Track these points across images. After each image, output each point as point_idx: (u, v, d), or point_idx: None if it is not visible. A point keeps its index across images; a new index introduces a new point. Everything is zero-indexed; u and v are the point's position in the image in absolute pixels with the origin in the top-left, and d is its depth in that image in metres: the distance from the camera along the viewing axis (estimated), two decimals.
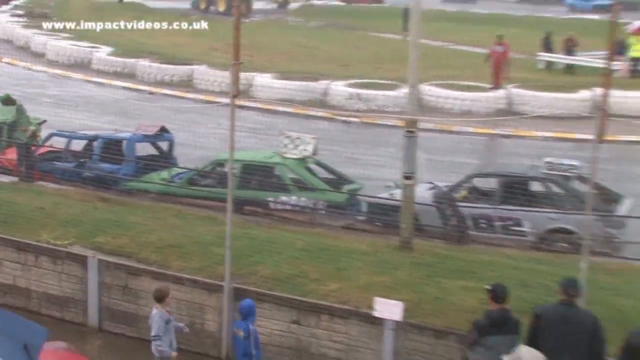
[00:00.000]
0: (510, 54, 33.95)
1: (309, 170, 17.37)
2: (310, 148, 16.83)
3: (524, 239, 15.75)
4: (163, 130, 18.81)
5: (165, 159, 18.90)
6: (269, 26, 51.99)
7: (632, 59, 36.76)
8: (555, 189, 15.80)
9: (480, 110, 30.63)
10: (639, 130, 24.65)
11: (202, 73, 34.45)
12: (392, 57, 36.63)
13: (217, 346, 12.25)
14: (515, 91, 32.00)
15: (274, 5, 66.88)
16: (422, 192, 16.13)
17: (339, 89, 31.66)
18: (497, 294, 9.57)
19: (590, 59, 37.53)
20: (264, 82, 32.24)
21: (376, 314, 10.96)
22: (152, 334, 10.24)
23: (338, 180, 17.78)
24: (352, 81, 32.35)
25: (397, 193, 15.69)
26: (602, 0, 54.84)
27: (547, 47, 40.79)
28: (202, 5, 59.94)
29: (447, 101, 31.17)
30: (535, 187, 16.73)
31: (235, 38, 11.49)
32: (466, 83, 32.64)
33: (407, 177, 13.83)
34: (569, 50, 39.85)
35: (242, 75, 16.06)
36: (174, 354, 10.50)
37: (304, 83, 31.96)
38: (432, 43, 40.52)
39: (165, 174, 18.15)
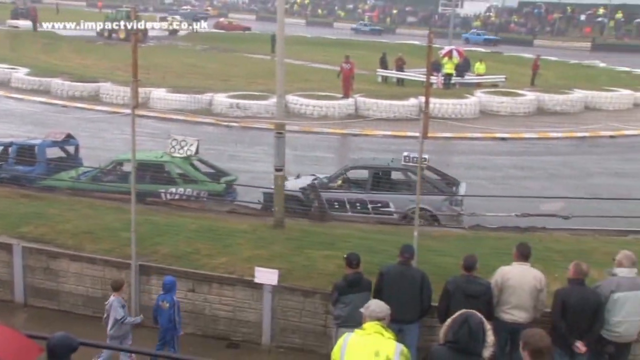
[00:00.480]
0: (355, 70, 34.61)
1: (193, 166, 17.35)
2: (193, 148, 16.78)
3: (389, 217, 16.15)
4: (69, 136, 18.58)
5: (72, 161, 18.60)
6: (162, 50, 51.56)
7: (444, 75, 38.71)
8: (412, 176, 16.07)
9: (334, 114, 31.21)
10: (452, 129, 25.34)
11: (107, 89, 33.71)
12: (263, 74, 36.88)
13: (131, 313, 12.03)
14: (361, 99, 32.85)
15: (166, 33, 66.15)
16: (305, 183, 16.61)
17: (221, 99, 31.53)
18: (351, 260, 9.78)
19: (415, 74, 39.38)
20: (159, 95, 31.80)
21: (257, 280, 10.95)
22: (118, 318, 9.94)
23: (217, 174, 17.77)
24: (232, 93, 32.37)
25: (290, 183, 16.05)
26: (490, 36, 58.11)
27: (383, 65, 42.33)
28: (106, 34, 58.61)
29: (308, 108, 31.59)
30: (396, 175, 17.17)
31: (133, 59, 11.32)
32: (322, 93, 33.24)
33: (277, 170, 13.89)
34: (399, 67, 41.52)
35: (141, 90, 15.89)
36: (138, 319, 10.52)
37: (192, 95, 31.68)
38: (295, 62, 40.78)
39: (73, 172, 17.81)
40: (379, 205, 16.46)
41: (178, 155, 16.75)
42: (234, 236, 13.10)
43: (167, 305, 10.05)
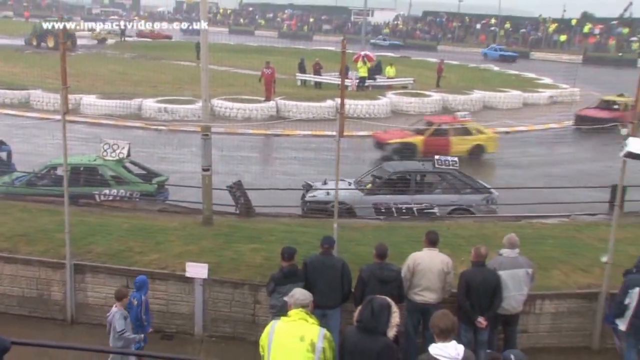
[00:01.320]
0: (276, 74, 34.72)
1: (125, 168, 17.03)
2: (125, 151, 16.55)
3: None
4: (1, 143, 17.98)
5: (5, 166, 17.94)
6: (91, 58, 50.16)
7: (358, 78, 38.98)
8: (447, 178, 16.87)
9: (257, 116, 31.32)
10: (366, 127, 25.62)
11: (38, 96, 32.68)
12: (189, 79, 36.39)
13: (62, 311, 11.75)
14: (281, 102, 32.88)
15: (95, 41, 64.80)
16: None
17: (150, 104, 31.03)
18: (283, 254, 9.78)
19: (331, 78, 39.56)
20: (89, 101, 31.01)
21: (188, 274, 10.85)
22: (117, 330, 9.50)
23: (149, 175, 17.48)
24: (160, 98, 31.89)
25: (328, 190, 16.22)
26: (506, 52, 58.41)
27: (302, 70, 42.32)
28: (34, 42, 56.91)
29: (233, 111, 31.43)
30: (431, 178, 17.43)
31: (62, 67, 11.05)
32: (246, 97, 33.07)
33: (205, 170, 13.74)
34: (317, 71, 41.53)
35: (71, 96, 15.52)
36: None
37: (121, 101, 31.07)
38: (219, 68, 40.39)
39: (6, 178, 17.27)
40: (424, 207, 16.34)
41: (110, 158, 16.45)
42: (165, 234, 12.88)
43: (136, 302, 9.80)
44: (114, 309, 9.66)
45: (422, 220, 15.08)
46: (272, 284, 9.74)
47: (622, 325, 9.98)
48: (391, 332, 6.43)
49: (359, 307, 6.52)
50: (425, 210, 16.23)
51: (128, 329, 9.59)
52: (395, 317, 6.44)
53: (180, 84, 36.95)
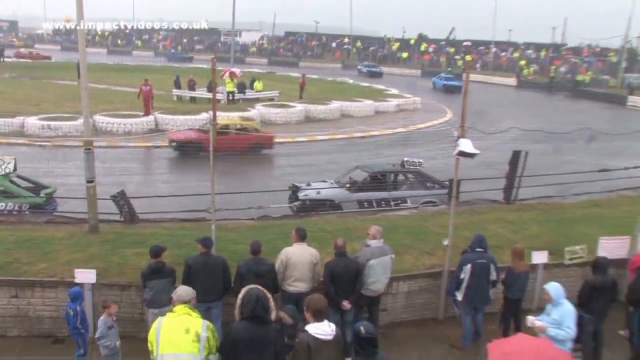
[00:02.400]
0: (154, 91, 34.15)
1: (13, 182, 16.25)
2: (11, 166, 15.85)
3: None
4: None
5: None
6: None
7: (228, 92, 38.76)
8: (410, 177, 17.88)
9: (137, 130, 30.56)
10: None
11: None
12: (71, 97, 35.16)
13: None
14: (160, 116, 32.39)
15: None
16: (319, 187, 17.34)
17: (33, 122, 29.58)
18: (151, 252, 9.84)
19: (204, 93, 39.01)
20: None
21: (76, 280, 10.45)
22: (96, 335, 9.16)
23: (37, 187, 16.74)
24: (43, 116, 30.45)
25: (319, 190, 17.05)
26: (453, 82, 56.80)
27: (177, 86, 41.75)
28: None
29: (114, 126, 30.57)
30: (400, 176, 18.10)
31: None
32: (126, 112, 32.30)
33: (89, 182, 13.29)
34: (191, 87, 41.12)
35: None
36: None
37: (3, 119, 29.48)
38: (99, 86, 39.35)
39: None
40: (399, 201, 17.04)
41: None
42: (52, 244, 12.28)
43: (72, 312, 9.39)
44: (102, 317, 9.36)
45: (291, 218, 15.22)
46: (142, 279, 9.76)
47: (459, 296, 10.74)
48: (273, 315, 6.54)
49: (241, 302, 6.51)
50: (401, 204, 16.96)
51: (108, 337, 9.22)
52: (272, 303, 6.54)
53: (62, 102, 35.46)
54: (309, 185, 17.54)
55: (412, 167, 17.48)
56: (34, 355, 10.11)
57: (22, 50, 76.26)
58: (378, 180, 17.53)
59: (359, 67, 75.90)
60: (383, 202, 17.01)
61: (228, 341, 6.41)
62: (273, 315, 6.57)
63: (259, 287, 6.72)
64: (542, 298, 12.36)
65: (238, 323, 6.45)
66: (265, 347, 6.34)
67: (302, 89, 44.01)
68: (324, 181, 18.02)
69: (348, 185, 17.44)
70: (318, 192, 16.99)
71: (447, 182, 17.28)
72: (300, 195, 17.03)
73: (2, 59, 65.41)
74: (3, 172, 15.79)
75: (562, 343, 8.46)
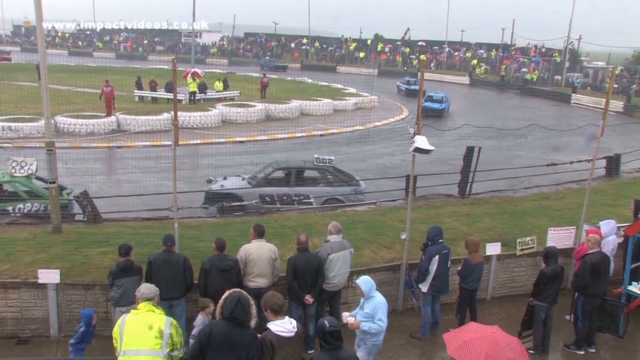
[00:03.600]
0: (115, 92, 33.65)
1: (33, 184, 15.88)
2: (33, 167, 15.16)
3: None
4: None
5: None
6: None
7: (190, 93, 38.58)
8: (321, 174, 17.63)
9: (100, 131, 30.18)
10: (199, 136, 25.83)
11: None
12: (32, 99, 34.05)
13: None
14: (122, 116, 31.97)
15: None
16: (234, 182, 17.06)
17: None
18: (120, 250, 9.70)
19: (165, 94, 38.54)
20: None
21: (40, 281, 10.34)
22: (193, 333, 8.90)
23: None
24: (3, 117, 29.64)
25: (223, 184, 16.85)
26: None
27: (139, 87, 41.40)
28: None
29: (76, 126, 30.08)
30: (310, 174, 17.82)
31: None
32: (88, 113, 31.77)
33: (51, 182, 13.04)
34: (153, 88, 40.78)
35: None
36: None
37: None
38: (60, 87, 38.38)
39: None
40: (302, 197, 16.78)
41: (19, 174, 15.15)
42: (15, 244, 12.00)
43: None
44: (199, 316, 9.20)
45: (252, 215, 15.13)
46: (111, 277, 9.62)
47: (424, 287, 10.84)
48: (252, 323, 6.48)
49: (222, 303, 6.44)
50: (303, 200, 16.85)
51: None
52: (253, 310, 6.49)
53: (23, 103, 34.65)
54: (225, 179, 17.46)
55: (321, 164, 17.41)
56: None
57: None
58: (287, 175, 17.49)
59: (397, 83, 58.22)
60: (285, 197, 16.90)
61: (203, 336, 6.32)
62: (253, 323, 6.52)
63: (243, 291, 6.66)
64: (495, 287, 12.69)
65: (217, 322, 6.40)
66: (239, 350, 6.27)
67: (264, 88, 43.85)
68: (238, 176, 17.93)
69: (249, 178, 17.50)
70: (222, 186, 16.89)
71: (358, 179, 17.81)
72: (207, 187, 17.05)
73: None
74: (26, 174, 15.30)
75: (376, 336, 8.63)
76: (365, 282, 8.57)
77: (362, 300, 8.78)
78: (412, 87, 52.84)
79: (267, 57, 67.91)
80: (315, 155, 17.36)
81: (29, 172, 15.37)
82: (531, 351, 10.21)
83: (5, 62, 67.03)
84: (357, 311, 8.79)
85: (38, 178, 16.13)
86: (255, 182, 17.03)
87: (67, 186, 16.72)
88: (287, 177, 17.36)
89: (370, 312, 8.39)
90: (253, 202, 16.33)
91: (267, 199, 16.69)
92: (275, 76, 57.59)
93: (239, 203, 16.15)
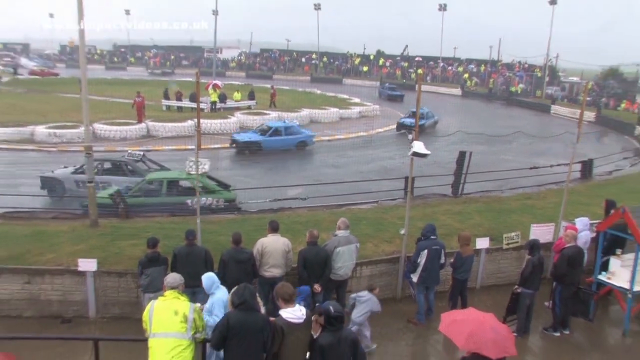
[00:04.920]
0: (145, 101, 33.79)
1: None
2: (207, 167, 15.05)
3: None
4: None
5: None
6: None
7: (211, 102, 38.72)
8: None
9: (131, 136, 30.19)
10: (220, 141, 25.48)
11: None
12: (74, 108, 34.23)
13: None
14: (151, 123, 31.92)
15: None
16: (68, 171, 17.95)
17: (41, 130, 28.98)
18: (150, 243, 9.77)
19: (190, 103, 38.52)
20: None
21: (80, 269, 10.48)
22: (374, 309, 9.70)
23: (222, 186, 16.61)
24: (50, 125, 29.83)
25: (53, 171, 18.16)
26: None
27: (166, 97, 41.25)
28: None
29: (111, 132, 30.16)
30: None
31: None
32: (121, 121, 31.77)
33: (89, 182, 13.13)
34: (178, 98, 40.74)
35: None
36: None
37: (16, 128, 28.85)
38: (98, 98, 38.74)
39: (104, 192, 15.97)
40: (105, 183, 17.17)
41: (195, 173, 15.17)
42: (58, 237, 12.14)
43: None
44: (369, 294, 9.71)
45: (267, 212, 15.09)
46: (140, 267, 9.70)
47: (415, 278, 10.84)
48: (262, 310, 6.53)
49: (233, 295, 6.44)
50: (106, 185, 17.12)
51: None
52: (259, 298, 6.53)
53: (66, 112, 34.85)
54: (62, 168, 18.65)
55: (129, 158, 18.44)
56: (44, 332, 9.95)
57: (34, 68, 74.79)
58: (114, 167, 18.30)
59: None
60: (89, 182, 16.19)
61: (222, 326, 6.33)
62: (263, 310, 6.55)
63: (247, 284, 6.68)
64: (484, 277, 12.67)
65: (231, 312, 6.40)
66: (255, 333, 6.28)
67: (273, 99, 43.79)
68: (66, 167, 18.87)
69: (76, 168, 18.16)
70: (52, 172, 18.32)
71: (144, 174, 17.79)
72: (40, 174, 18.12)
73: (16, 76, 64.18)
74: (201, 172, 15.29)
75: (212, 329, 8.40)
76: (206, 279, 8.19)
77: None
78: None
79: (387, 84, 61.95)
80: (129, 150, 18.73)
81: (203, 170, 15.37)
82: (515, 334, 10.18)
83: (53, 77, 67.41)
84: (205, 305, 8.26)
85: (208, 177, 16.24)
86: (75, 171, 17.91)
87: (230, 184, 17.03)
88: (100, 168, 17.90)
89: (209, 307, 7.98)
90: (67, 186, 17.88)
91: (80, 184, 17.17)
92: (287, 87, 57.63)
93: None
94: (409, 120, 33.39)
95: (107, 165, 18.42)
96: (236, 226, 12.55)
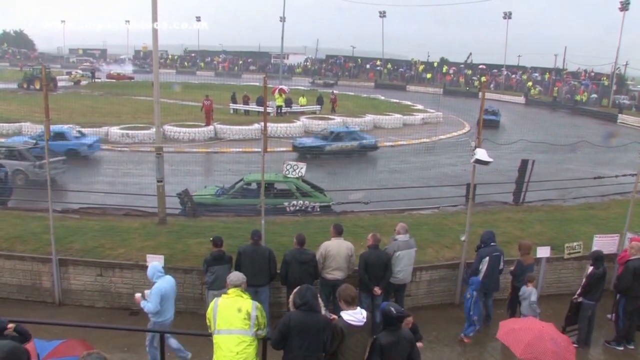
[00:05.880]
0: (214, 105, 34.32)
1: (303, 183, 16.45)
2: (303, 170, 15.56)
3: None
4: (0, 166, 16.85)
5: (3, 184, 16.98)
6: (69, 96, 47.91)
7: (277, 106, 38.97)
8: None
9: (200, 138, 30.79)
10: (284, 144, 25.73)
11: (28, 127, 30.92)
12: (146, 110, 35.64)
13: (52, 296, 11.36)
14: (219, 126, 32.51)
15: (72, 83, 62.24)
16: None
17: (115, 131, 30.12)
18: (215, 241, 9.82)
19: (256, 107, 39.00)
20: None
21: (148, 264, 10.58)
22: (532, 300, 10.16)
23: (316, 189, 16.67)
24: (123, 126, 30.98)
25: None
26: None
27: (234, 101, 41.89)
28: (25, 85, 53.84)
29: (180, 134, 30.87)
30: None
31: (45, 104, 10.67)
32: (190, 123, 32.51)
33: (159, 181, 13.47)
34: (245, 102, 41.28)
35: (52, 126, 14.73)
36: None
37: (92, 129, 29.78)
38: (169, 101, 39.67)
39: (206, 191, 16.50)
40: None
41: (291, 176, 15.61)
42: (129, 232, 12.52)
43: (469, 296, 10.28)
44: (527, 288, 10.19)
45: (330, 215, 15.12)
46: (205, 265, 9.78)
47: (474, 286, 10.51)
48: (323, 311, 6.51)
49: (295, 295, 6.44)
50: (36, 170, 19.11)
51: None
52: (320, 300, 6.52)
53: (139, 114, 36.03)
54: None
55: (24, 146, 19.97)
56: (114, 323, 10.24)
57: (112, 72, 77.74)
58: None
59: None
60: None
61: (283, 326, 6.31)
62: (323, 310, 6.54)
63: (309, 286, 6.68)
64: (543, 286, 12.29)
65: (293, 312, 6.39)
66: (315, 334, 6.26)
67: (334, 104, 43.71)
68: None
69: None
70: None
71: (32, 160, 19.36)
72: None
73: (93, 80, 66.77)
74: (297, 175, 15.69)
75: (155, 316, 8.58)
76: (150, 268, 8.72)
77: None
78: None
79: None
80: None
81: (300, 174, 15.63)
82: (575, 345, 9.82)
83: (128, 80, 69.86)
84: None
85: (304, 180, 16.49)
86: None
87: (324, 189, 16.99)
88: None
89: (148, 292, 8.48)
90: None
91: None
92: (352, 93, 57.63)
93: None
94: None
95: (2, 150, 20.12)
96: (299, 228, 12.59)
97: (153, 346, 8.73)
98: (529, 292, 10.22)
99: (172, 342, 9.02)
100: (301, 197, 15.85)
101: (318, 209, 15.84)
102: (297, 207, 15.69)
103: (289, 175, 15.64)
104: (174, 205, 15.00)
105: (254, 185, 16.09)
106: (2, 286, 11.44)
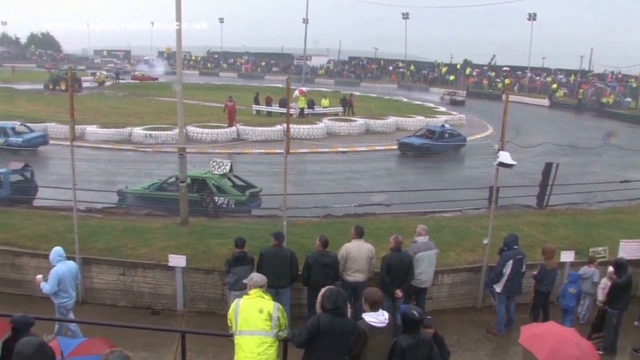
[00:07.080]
0: (236, 106, 34.54)
1: (230, 180, 16.81)
2: (227, 167, 16.17)
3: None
4: (26, 165, 17.03)
5: (29, 183, 17.16)
6: (93, 96, 48.61)
7: (300, 108, 38.81)
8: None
9: (222, 139, 30.91)
10: (307, 146, 25.95)
11: (53, 127, 31.28)
12: (169, 111, 35.87)
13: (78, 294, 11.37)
14: (241, 127, 32.64)
15: (96, 84, 63.11)
16: None
17: (138, 131, 30.42)
18: (236, 242, 9.86)
19: (279, 108, 39.03)
20: (92, 130, 29.93)
21: (170, 264, 10.76)
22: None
23: (246, 187, 16.96)
24: (146, 126, 31.29)
25: None
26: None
27: (256, 102, 42.03)
28: (50, 86, 54.80)
29: (203, 135, 30.99)
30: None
31: (70, 104, 10.79)
32: (213, 124, 32.74)
33: (181, 182, 13.56)
34: (268, 103, 41.36)
35: (77, 127, 14.96)
36: None
37: (116, 129, 30.40)
38: (192, 102, 40.06)
39: (140, 186, 17.10)
40: None
41: (217, 172, 16.18)
42: (151, 232, 12.59)
43: (573, 291, 10.70)
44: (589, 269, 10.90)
45: (351, 217, 15.07)
46: (227, 265, 9.81)
47: (498, 288, 10.52)
48: (348, 313, 6.53)
49: (323, 297, 6.42)
50: None
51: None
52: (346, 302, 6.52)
53: (162, 115, 36.31)
54: None
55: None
56: (136, 322, 10.31)
57: (136, 73, 78.60)
58: None
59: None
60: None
61: (312, 327, 6.30)
62: (349, 313, 6.55)
63: (340, 290, 6.67)
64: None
65: (321, 315, 6.37)
66: (342, 338, 6.28)
67: (351, 106, 43.21)
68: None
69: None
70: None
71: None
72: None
73: (117, 81, 67.61)
74: (221, 172, 16.17)
75: (56, 298, 9.12)
76: (52, 252, 9.25)
77: None
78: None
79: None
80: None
81: (224, 171, 16.16)
82: (600, 352, 9.66)
83: (152, 81, 70.60)
84: None
85: (235, 176, 16.92)
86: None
87: (257, 186, 17.21)
88: None
89: (49, 275, 8.97)
90: None
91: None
92: (374, 95, 57.51)
93: None
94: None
95: None
96: (321, 229, 12.54)
97: (60, 333, 9.23)
98: (591, 273, 10.77)
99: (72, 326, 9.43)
100: (218, 194, 16.00)
101: (233, 205, 16.02)
102: (214, 204, 15.84)
103: (215, 172, 16.16)
104: (196, 205, 15.04)
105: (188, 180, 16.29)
106: (27, 284, 11.58)
